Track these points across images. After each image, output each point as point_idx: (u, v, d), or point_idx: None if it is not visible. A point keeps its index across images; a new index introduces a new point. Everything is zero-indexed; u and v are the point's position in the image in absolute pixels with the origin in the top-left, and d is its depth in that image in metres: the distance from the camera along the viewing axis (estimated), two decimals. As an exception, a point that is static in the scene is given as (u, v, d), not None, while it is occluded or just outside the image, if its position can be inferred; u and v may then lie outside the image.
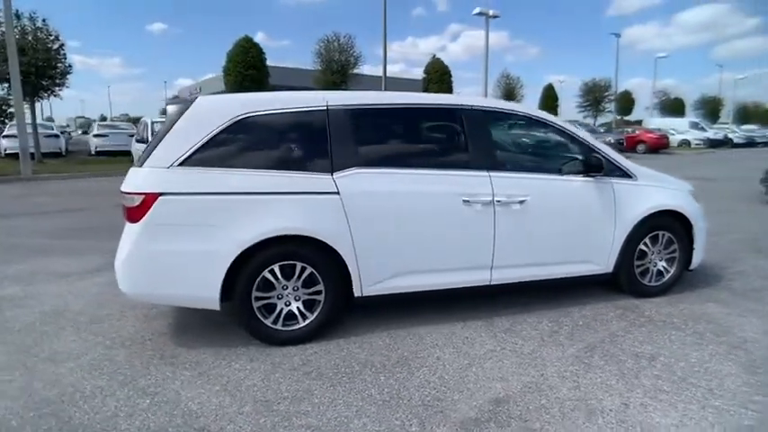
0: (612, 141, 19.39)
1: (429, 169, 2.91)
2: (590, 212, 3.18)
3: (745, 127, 35.89)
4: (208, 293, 2.59)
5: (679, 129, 28.13)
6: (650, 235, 3.34)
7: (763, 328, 2.90)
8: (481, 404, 2.15)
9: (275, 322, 2.70)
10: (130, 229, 2.57)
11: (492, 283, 3.04)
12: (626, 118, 44.15)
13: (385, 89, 22.19)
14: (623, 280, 3.36)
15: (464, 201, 2.86)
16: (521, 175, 3.05)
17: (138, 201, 2.49)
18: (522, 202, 2.95)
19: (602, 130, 25.76)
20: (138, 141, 9.56)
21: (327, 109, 2.76)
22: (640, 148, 22.74)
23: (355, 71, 22.38)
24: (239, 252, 2.54)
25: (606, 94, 39.91)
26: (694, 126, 28.83)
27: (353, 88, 26.54)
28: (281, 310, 2.71)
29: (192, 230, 2.54)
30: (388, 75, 21.49)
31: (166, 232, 2.51)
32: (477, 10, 23.30)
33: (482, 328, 2.96)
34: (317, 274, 2.70)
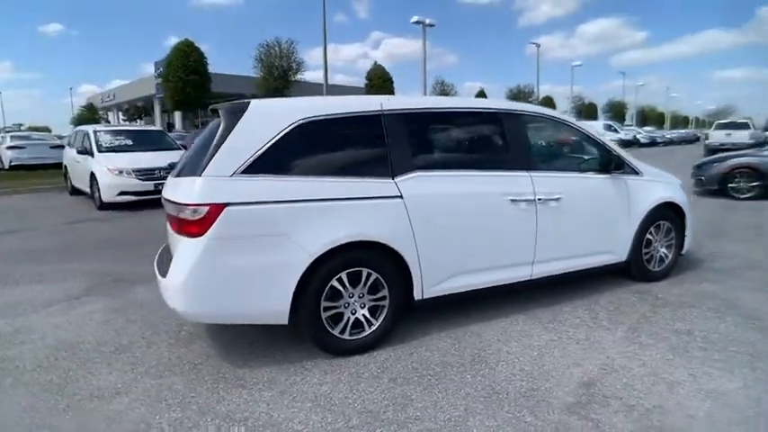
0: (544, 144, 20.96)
1: (478, 170, 3.02)
2: (610, 207, 3.48)
3: (646, 128, 40.57)
4: (278, 308, 2.47)
5: (597, 130, 31.05)
6: (654, 225, 3.72)
7: (761, 300, 3.35)
8: (573, 389, 2.27)
9: (342, 332, 2.63)
10: (190, 245, 2.37)
11: (533, 278, 3.20)
12: (546, 123, 47.86)
13: (326, 95, 22.17)
14: (634, 267, 3.70)
15: (511, 200, 3.00)
16: (554, 174, 3.26)
17: (201, 213, 2.32)
18: (558, 199, 3.16)
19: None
20: (79, 152, 8.63)
21: (383, 113, 2.76)
22: (566, 149, 24.75)
23: (298, 77, 22.09)
24: (311, 261, 2.45)
25: (530, 99, 43.05)
26: (608, 128, 31.89)
27: (295, 95, 26.23)
28: (348, 318, 2.65)
29: (261, 242, 2.41)
30: (317, 81, 21.43)
31: (234, 245, 2.36)
32: (414, 18, 24.05)
33: (530, 321, 3.10)
34: (382, 280, 2.67)
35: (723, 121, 22.80)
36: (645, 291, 3.62)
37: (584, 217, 3.35)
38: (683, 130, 53.15)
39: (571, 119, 3.59)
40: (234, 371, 2.52)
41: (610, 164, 3.45)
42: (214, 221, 2.31)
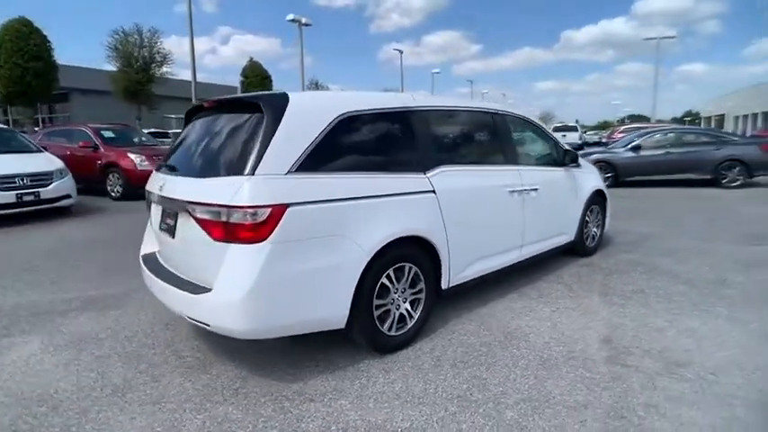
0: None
1: (485, 165, 3.30)
2: (567, 195, 4.10)
3: None
4: (338, 312, 2.36)
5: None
6: (589, 209, 4.48)
7: (669, 262, 4.32)
8: (599, 347, 2.68)
9: (390, 328, 2.63)
10: (247, 252, 2.12)
11: (521, 260, 3.61)
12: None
13: (195, 93, 20.36)
14: (579, 245, 4.41)
15: (509, 191, 3.35)
16: (532, 168, 3.73)
17: (262, 215, 2.10)
18: (536, 189, 3.61)
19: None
20: None
21: (413, 110, 2.83)
22: (535, 146, 27.16)
23: (164, 70, 19.71)
24: (368, 260, 2.41)
25: None
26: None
27: (162, 92, 23.30)
28: (394, 314, 2.66)
29: (322, 243, 2.28)
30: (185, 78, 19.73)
31: (297, 249, 2.19)
32: (290, 16, 23.59)
33: (523, 298, 3.49)
34: (420, 273, 2.75)
35: (558, 125, 27.31)
36: (588, 264, 4.34)
37: (552, 204, 3.89)
38: None
39: (538, 121, 4.12)
40: (286, 387, 2.32)
41: (565, 158, 4.07)
42: (277, 224, 2.12)
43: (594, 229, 4.65)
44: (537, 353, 2.62)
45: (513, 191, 3.39)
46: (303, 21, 24.24)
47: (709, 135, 10.23)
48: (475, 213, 3.08)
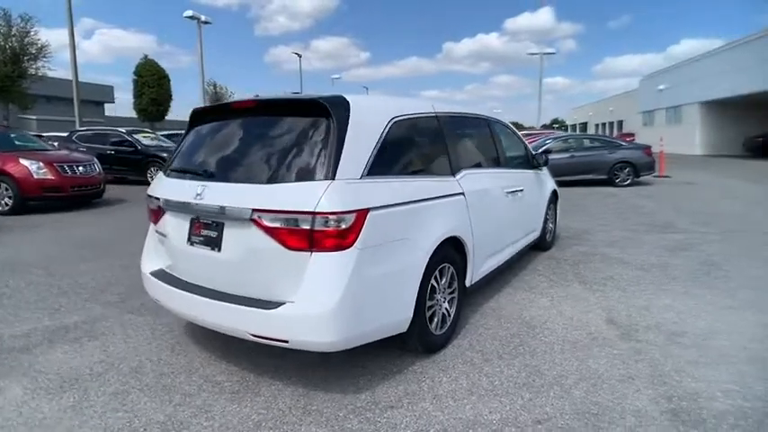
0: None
1: (489, 168, 3.51)
2: (538, 195, 4.54)
3: None
4: (405, 315, 2.36)
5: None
6: (549, 207, 5.00)
7: (617, 252, 5.00)
8: (607, 327, 3.04)
9: (436, 328, 2.69)
10: (334, 260, 2.03)
11: (512, 256, 3.91)
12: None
13: (77, 92, 17.92)
14: (543, 240, 4.90)
15: (506, 192, 3.62)
16: (517, 170, 4.06)
17: (348, 221, 2.02)
18: (522, 190, 3.96)
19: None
20: None
21: (438, 115, 2.93)
22: (514, 151, 27.22)
23: (41, 64, 16.81)
24: (427, 261, 2.45)
25: None
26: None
27: (38, 89, 19.75)
28: (438, 314, 2.72)
29: (392, 247, 2.26)
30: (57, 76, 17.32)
31: (376, 255, 2.15)
32: (188, 13, 21.83)
33: (519, 291, 3.78)
34: (455, 272, 2.86)
35: None
36: (551, 257, 4.84)
37: (530, 203, 4.27)
38: None
39: (514, 128, 4.49)
40: (355, 398, 2.24)
41: (534, 162, 4.50)
42: (361, 229, 2.06)
43: (551, 226, 5.20)
44: (562, 338, 2.89)
45: (509, 191, 3.67)
46: (203, 18, 22.67)
47: (604, 141, 11.99)
48: (488, 213, 3.28)
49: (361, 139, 2.23)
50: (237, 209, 2.15)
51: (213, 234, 2.30)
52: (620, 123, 46.15)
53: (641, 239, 5.56)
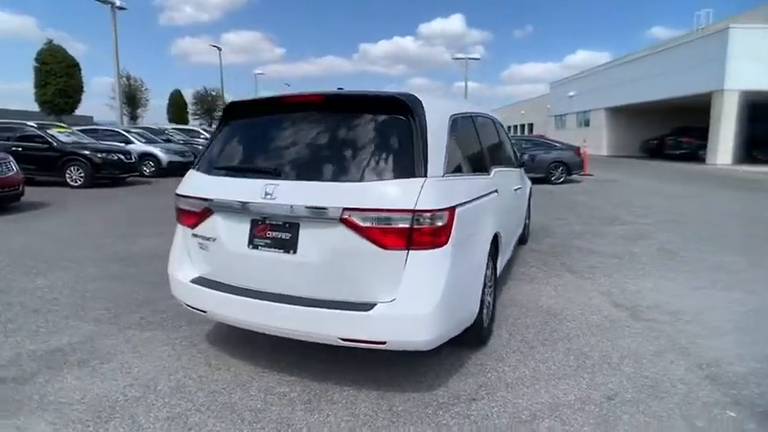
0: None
1: (504, 167, 3.68)
2: (526, 191, 4.83)
3: None
4: (475, 308, 2.43)
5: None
6: (528, 203, 5.35)
7: (591, 245, 5.48)
8: (614, 310, 3.35)
9: (485, 320, 2.77)
10: (435, 257, 2.04)
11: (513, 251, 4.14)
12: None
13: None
14: (524, 234, 5.23)
15: (514, 189, 3.83)
16: (516, 169, 4.30)
17: (444, 218, 2.04)
18: (520, 188, 4.21)
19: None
20: None
21: (473, 114, 3.02)
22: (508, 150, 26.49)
23: None
24: (487, 255, 2.53)
25: (219, 102, 42.80)
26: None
27: None
28: (485, 306, 2.81)
29: (469, 242, 2.32)
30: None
31: (462, 250, 2.19)
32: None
33: (521, 283, 4.00)
34: (494, 266, 2.97)
35: None
36: (532, 249, 5.19)
37: (523, 199, 4.55)
38: None
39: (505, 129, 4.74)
40: (434, 395, 2.23)
41: (520, 160, 4.80)
42: (452, 226, 2.07)
43: (527, 220, 5.57)
44: (585, 322, 3.13)
45: (515, 188, 3.89)
46: (117, 3, 20.56)
47: (540, 142, 13.02)
48: (507, 209, 3.45)
49: (437, 137, 2.24)
50: (326, 208, 2.03)
51: (285, 236, 2.16)
52: (531, 126, 50.30)
53: (601, 231, 6.17)
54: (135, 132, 14.78)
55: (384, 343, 2.04)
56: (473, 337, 2.63)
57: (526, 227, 5.46)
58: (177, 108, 36.95)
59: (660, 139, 23.62)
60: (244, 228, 2.26)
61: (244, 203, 2.22)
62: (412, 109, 2.17)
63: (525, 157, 5.07)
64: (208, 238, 2.39)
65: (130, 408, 2.14)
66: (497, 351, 2.71)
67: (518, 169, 4.45)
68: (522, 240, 5.25)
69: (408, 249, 2.00)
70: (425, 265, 2.03)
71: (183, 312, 2.85)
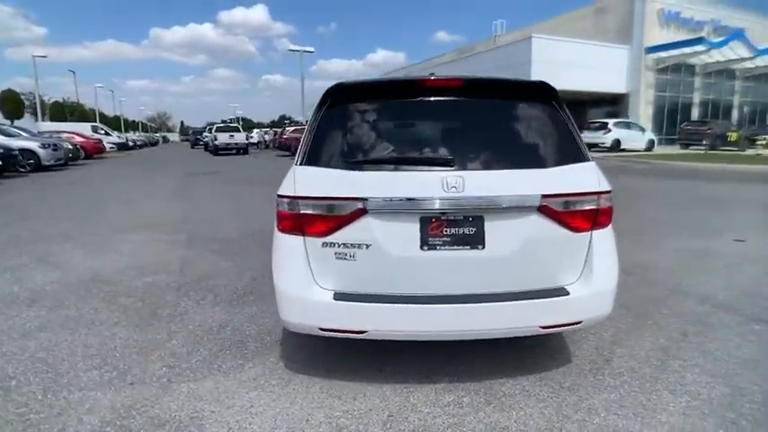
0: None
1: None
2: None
3: (123, 133, 41.89)
4: None
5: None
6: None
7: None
8: (630, 270, 3.83)
9: None
10: (609, 234, 2.20)
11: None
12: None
13: None
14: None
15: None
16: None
17: (611, 199, 2.17)
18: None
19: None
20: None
21: None
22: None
23: None
24: None
25: None
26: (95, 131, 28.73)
27: None
28: None
29: None
30: None
31: None
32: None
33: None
34: None
35: (221, 125, 26.74)
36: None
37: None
38: (143, 134, 57.11)
39: None
40: (498, 384, 2.25)
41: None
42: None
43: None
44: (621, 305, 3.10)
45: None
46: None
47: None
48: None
49: (575, 123, 2.33)
50: (528, 196, 2.00)
51: (470, 230, 2.01)
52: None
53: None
54: None
55: (580, 323, 2.10)
56: None
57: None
58: (13, 104, 33.88)
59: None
60: (411, 228, 2.02)
61: (417, 200, 1.98)
62: (557, 96, 2.26)
63: None
64: (355, 245, 2.02)
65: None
66: (526, 349, 2.62)
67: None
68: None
69: (592, 230, 2.11)
70: (605, 243, 2.17)
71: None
